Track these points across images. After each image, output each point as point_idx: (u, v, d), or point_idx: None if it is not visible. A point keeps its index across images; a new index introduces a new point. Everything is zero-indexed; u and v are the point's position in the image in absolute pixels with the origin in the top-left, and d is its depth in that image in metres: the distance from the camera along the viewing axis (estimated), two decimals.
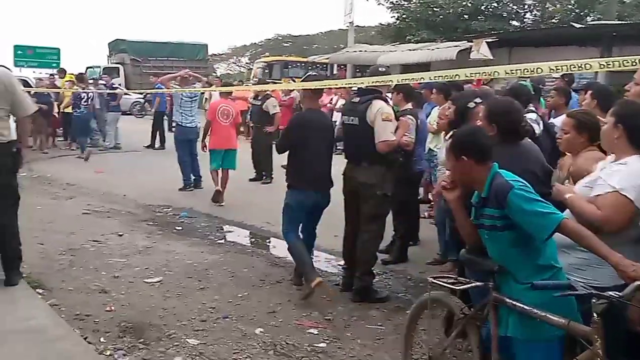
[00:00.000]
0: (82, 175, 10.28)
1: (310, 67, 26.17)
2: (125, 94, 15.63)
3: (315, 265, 5.65)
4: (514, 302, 2.57)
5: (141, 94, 21.11)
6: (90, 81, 14.21)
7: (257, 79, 21.80)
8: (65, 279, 4.82)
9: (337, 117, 9.96)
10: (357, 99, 4.77)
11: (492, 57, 13.79)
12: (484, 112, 3.34)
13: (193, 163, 9.29)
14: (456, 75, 3.30)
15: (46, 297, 4.33)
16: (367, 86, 4.69)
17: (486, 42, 14.31)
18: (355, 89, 5.01)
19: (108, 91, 13.96)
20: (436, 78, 3.65)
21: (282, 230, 5.05)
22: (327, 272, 5.53)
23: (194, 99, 9.28)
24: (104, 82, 15.05)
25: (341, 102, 11.90)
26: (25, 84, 12.55)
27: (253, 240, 6.85)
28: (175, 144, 9.32)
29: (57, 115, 13.74)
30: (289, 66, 25.56)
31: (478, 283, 2.80)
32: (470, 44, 14.84)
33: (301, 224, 4.98)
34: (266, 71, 24.34)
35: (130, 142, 14.44)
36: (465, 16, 21.66)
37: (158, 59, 25.94)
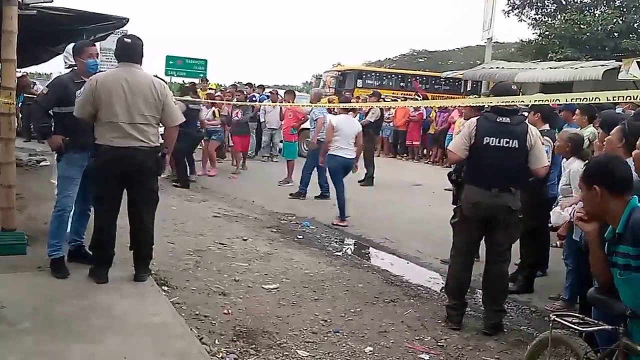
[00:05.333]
0: (217, 180, 10.91)
1: (385, 78, 25.50)
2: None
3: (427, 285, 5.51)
4: None
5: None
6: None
7: (332, 89, 21.45)
8: (189, 278, 5.06)
9: None
10: (505, 119, 4.32)
11: None
12: None
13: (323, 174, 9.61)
14: (597, 97, 2.99)
15: (170, 295, 4.57)
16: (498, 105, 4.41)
17: (637, 61, 13.21)
18: (488, 107, 4.62)
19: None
20: (574, 100, 3.34)
21: None
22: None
23: None
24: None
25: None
26: None
27: (371, 255, 6.79)
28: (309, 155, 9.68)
29: None
30: (363, 76, 24.87)
31: (607, 326, 2.53)
32: (619, 63, 13.83)
33: None
34: (341, 81, 23.86)
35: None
36: (615, 34, 20.23)
37: None
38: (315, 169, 9.50)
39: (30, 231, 5.56)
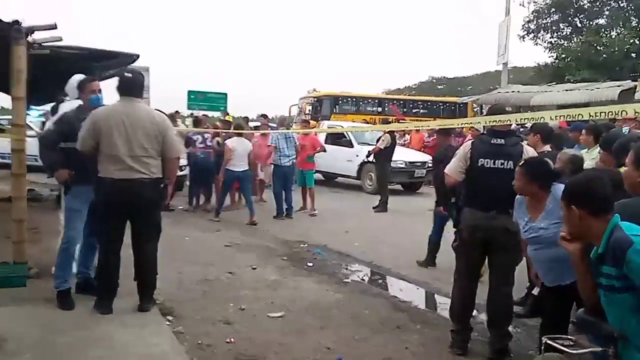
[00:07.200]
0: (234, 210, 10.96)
1: (362, 103, 25.35)
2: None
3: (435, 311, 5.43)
4: None
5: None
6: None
7: (308, 115, 21.21)
8: (195, 308, 5.07)
9: None
10: (500, 141, 4.30)
11: None
12: (631, 155, 2.93)
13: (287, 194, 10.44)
14: (579, 114, 2.97)
15: (174, 324, 4.59)
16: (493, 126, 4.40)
17: None
18: (486, 129, 4.61)
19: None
20: (558, 118, 3.33)
21: None
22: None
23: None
24: (258, 123, 15.88)
25: None
26: None
27: (380, 282, 6.73)
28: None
29: None
30: (340, 101, 24.63)
31: (596, 349, 2.46)
32: (635, 83, 13.68)
33: None
34: (317, 107, 23.51)
35: None
36: (633, 55, 20.17)
37: None
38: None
39: (42, 264, 5.65)
